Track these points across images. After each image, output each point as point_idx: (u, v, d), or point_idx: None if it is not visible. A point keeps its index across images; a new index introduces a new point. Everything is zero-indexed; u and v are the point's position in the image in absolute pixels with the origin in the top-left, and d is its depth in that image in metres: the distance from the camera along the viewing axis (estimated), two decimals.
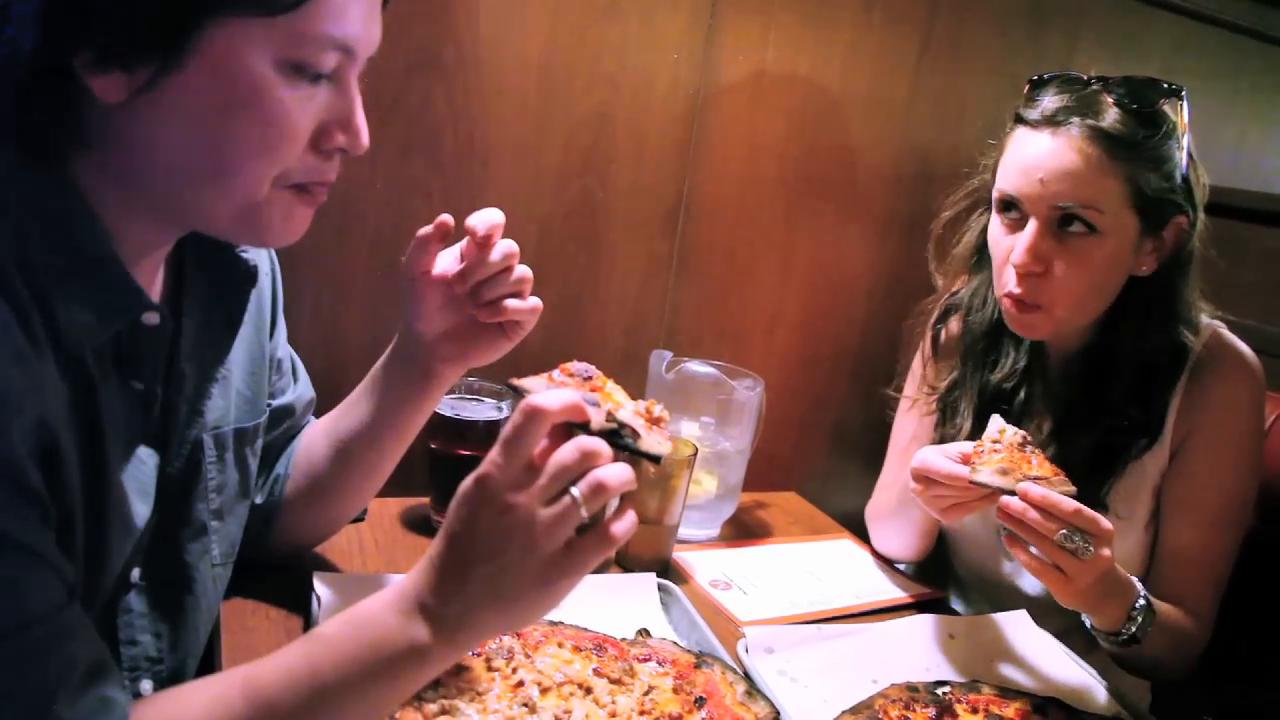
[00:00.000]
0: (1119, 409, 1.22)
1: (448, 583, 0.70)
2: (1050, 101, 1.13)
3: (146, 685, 0.85)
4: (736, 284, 1.64)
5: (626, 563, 1.26)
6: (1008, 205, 1.17)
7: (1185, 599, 1.18)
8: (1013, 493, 0.99)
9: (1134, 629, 1.07)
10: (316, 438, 1.07)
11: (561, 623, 1.01)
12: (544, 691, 0.90)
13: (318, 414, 1.12)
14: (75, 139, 0.70)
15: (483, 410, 1.26)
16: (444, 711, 0.85)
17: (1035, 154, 1.13)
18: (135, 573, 0.84)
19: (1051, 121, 1.12)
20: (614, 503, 0.72)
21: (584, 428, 0.72)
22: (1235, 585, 1.22)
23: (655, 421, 0.77)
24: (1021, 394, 1.31)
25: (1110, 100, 1.12)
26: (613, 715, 0.90)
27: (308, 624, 1.00)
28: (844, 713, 0.98)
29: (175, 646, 0.88)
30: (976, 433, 1.10)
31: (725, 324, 1.65)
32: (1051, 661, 1.14)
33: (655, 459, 0.75)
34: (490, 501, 0.69)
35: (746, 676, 1.00)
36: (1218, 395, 1.20)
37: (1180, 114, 1.14)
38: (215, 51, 0.66)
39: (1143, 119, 1.11)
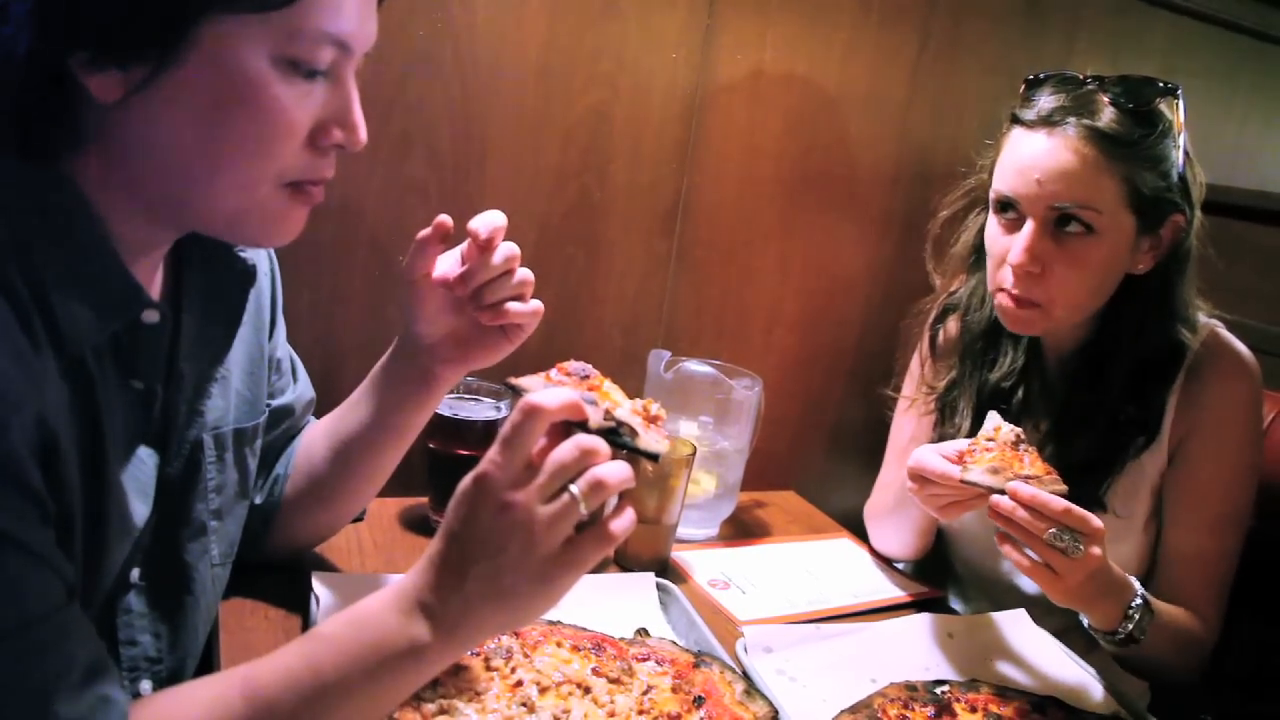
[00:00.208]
0: (1117, 407, 1.22)
1: (447, 581, 0.70)
2: (1046, 101, 1.13)
3: (146, 685, 0.85)
4: (735, 283, 1.64)
5: (625, 562, 1.26)
6: (1005, 206, 1.17)
7: (1190, 601, 1.18)
8: (1004, 492, 1.00)
9: (1131, 628, 1.07)
10: (316, 438, 1.06)
11: (560, 622, 1.01)
12: (542, 691, 0.90)
13: (316, 414, 1.12)
14: (73, 138, 0.70)
15: (481, 410, 1.26)
16: (442, 711, 0.85)
17: (1032, 154, 1.13)
18: (135, 573, 0.84)
19: (1048, 121, 1.12)
20: (612, 501, 0.72)
21: (582, 426, 0.72)
22: (1235, 583, 1.22)
23: (653, 420, 0.78)
24: (1020, 393, 1.31)
25: (1106, 100, 1.12)
26: (611, 715, 0.90)
27: (306, 624, 1.00)
28: (843, 712, 0.98)
29: (174, 646, 0.88)
30: (975, 432, 1.10)
31: (723, 323, 1.65)
32: (1050, 660, 1.15)
33: (653, 457, 0.75)
34: (489, 499, 0.69)
35: (745, 676, 1.00)
36: (1216, 395, 1.20)
37: (1176, 113, 1.14)
38: (211, 49, 0.66)
39: (1139, 118, 1.11)
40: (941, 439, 1.33)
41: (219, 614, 0.98)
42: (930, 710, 0.99)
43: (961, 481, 1.03)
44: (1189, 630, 1.16)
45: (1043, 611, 1.22)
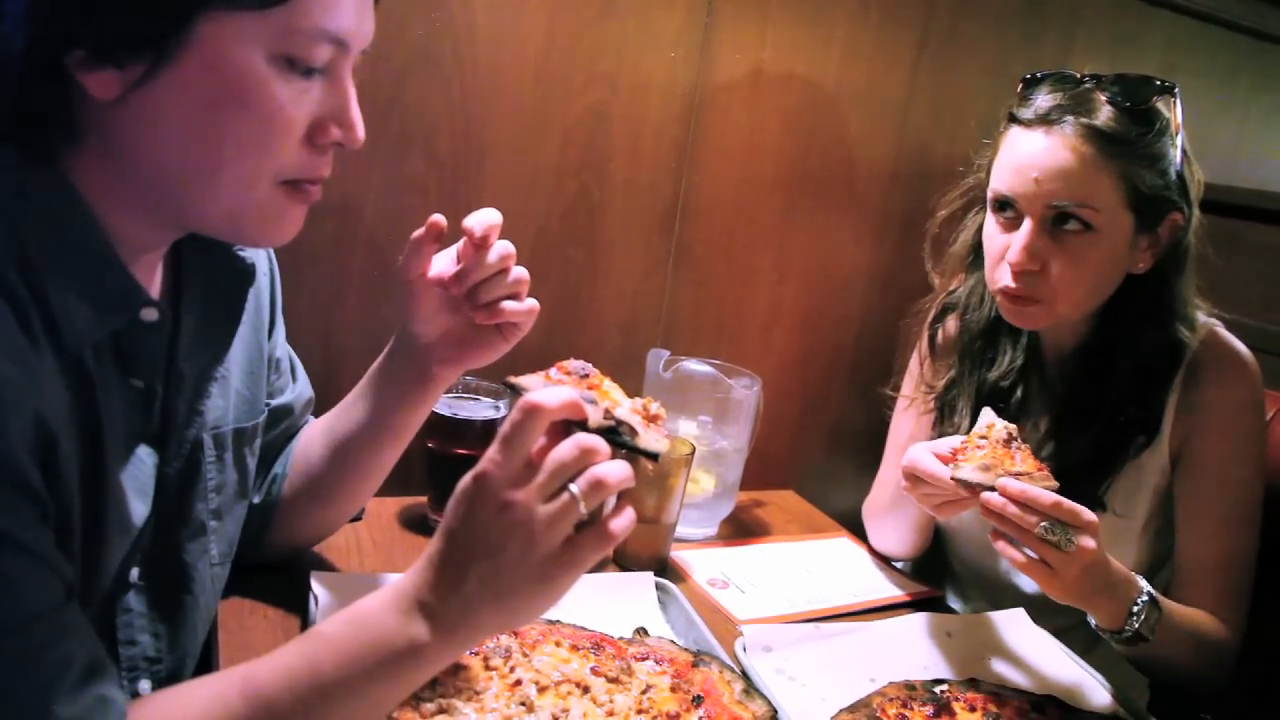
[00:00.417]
0: (1116, 407, 1.21)
1: (446, 580, 0.70)
2: (1044, 100, 1.13)
3: (145, 685, 0.85)
4: (734, 282, 1.64)
5: (624, 561, 1.26)
6: (1003, 204, 1.17)
7: (1209, 604, 1.17)
8: (994, 489, 1.00)
9: (1138, 625, 1.05)
10: (314, 437, 1.06)
11: (559, 621, 1.01)
12: (541, 690, 0.90)
13: (315, 413, 1.12)
14: (70, 136, 0.70)
15: (480, 409, 1.26)
16: (441, 711, 0.85)
17: (1030, 153, 1.13)
18: (134, 572, 0.84)
19: (1045, 120, 1.12)
20: (611, 500, 0.72)
21: (582, 425, 0.72)
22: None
23: (652, 419, 0.78)
24: (1019, 392, 1.31)
25: (1104, 98, 1.12)
26: (610, 714, 0.90)
27: (305, 623, 1.00)
28: (842, 711, 0.98)
29: (173, 646, 0.88)
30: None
31: (723, 322, 1.65)
32: (1049, 659, 1.15)
33: (653, 456, 0.75)
34: (489, 499, 0.69)
35: (744, 675, 1.00)
36: (1216, 395, 1.20)
37: (1174, 111, 1.14)
38: (207, 46, 0.66)
39: (1136, 116, 1.11)
40: (940, 438, 1.33)
41: (218, 613, 0.98)
42: (929, 709, 0.99)
43: (952, 479, 1.03)
44: (1208, 632, 1.15)
45: (1041, 611, 1.22)
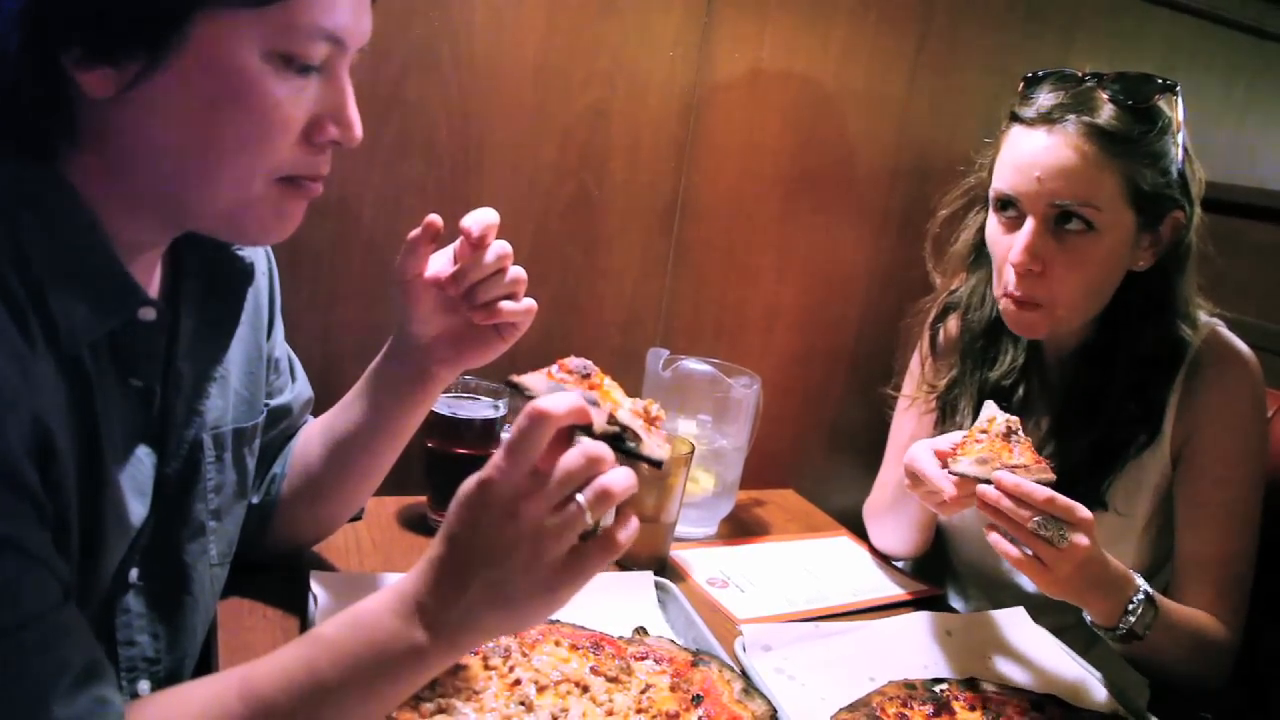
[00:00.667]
0: (1117, 405, 1.21)
1: (448, 586, 0.69)
2: (1045, 99, 1.13)
3: (144, 685, 0.85)
4: (733, 281, 1.64)
5: (623, 561, 1.26)
6: (1005, 204, 1.17)
7: (1208, 604, 1.16)
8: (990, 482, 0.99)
9: (1132, 622, 1.06)
10: (312, 437, 1.06)
11: (558, 621, 1.01)
12: (541, 690, 0.90)
13: (315, 413, 1.12)
14: (67, 135, 0.70)
15: (479, 409, 1.26)
16: (441, 710, 0.85)
17: (1031, 152, 1.13)
18: (133, 573, 0.83)
19: (1047, 119, 1.12)
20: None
21: (586, 429, 0.72)
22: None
23: (653, 421, 0.77)
24: (1020, 391, 1.31)
25: (1105, 96, 1.11)
26: (610, 714, 0.90)
27: (304, 624, 1.00)
28: (841, 710, 0.98)
29: (173, 647, 0.88)
30: None
31: (722, 321, 1.65)
32: (1049, 658, 1.15)
33: (657, 464, 0.74)
34: (494, 506, 0.68)
35: (744, 674, 1.00)
36: (1217, 395, 1.20)
37: (1175, 109, 1.14)
38: (203, 44, 0.66)
39: (1138, 115, 1.11)
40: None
41: (217, 614, 0.98)
42: (929, 708, 0.99)
43: (949, 472, 1.03)
44: (1207, 632, 1.15)
45: (1041, 609, 1.22)
